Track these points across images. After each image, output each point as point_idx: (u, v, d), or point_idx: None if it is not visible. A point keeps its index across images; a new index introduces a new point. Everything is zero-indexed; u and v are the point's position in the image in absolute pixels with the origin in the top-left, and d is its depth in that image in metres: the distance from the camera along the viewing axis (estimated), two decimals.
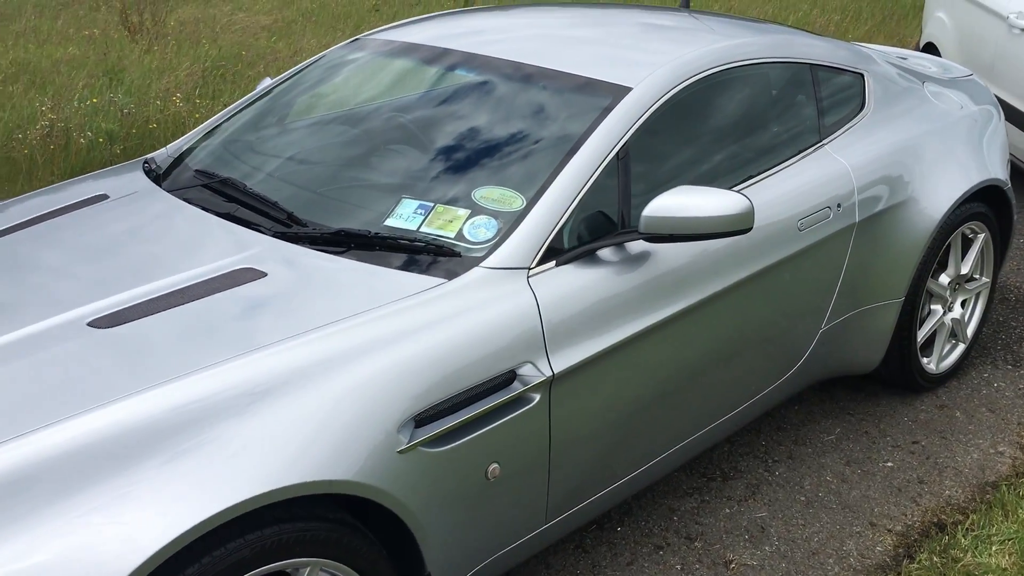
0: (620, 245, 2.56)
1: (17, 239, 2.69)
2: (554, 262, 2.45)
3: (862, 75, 3.48)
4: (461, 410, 2.20)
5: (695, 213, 2.49)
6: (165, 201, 2.77)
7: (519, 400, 2.31)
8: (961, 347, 3.87)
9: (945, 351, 3.82)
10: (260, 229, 2.56)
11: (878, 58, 3.71)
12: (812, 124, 3.23)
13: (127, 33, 8.28)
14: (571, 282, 2.44)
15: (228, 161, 2.98)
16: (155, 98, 6.41)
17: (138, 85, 6.83)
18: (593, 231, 2.57)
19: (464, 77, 3.02)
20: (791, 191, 3.01)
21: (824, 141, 3.24)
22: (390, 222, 2.54)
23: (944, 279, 3.68)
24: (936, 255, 3.50)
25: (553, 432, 2.40)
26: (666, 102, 2.80)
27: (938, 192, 3.43)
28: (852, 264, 3.23)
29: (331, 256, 2.43)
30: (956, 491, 3.24)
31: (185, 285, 2.32)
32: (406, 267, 2.39)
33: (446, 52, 3.09)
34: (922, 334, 3.64)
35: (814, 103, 3.26)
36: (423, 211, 2.54)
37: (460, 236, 2.47)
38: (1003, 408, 3.70)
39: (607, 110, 2.70)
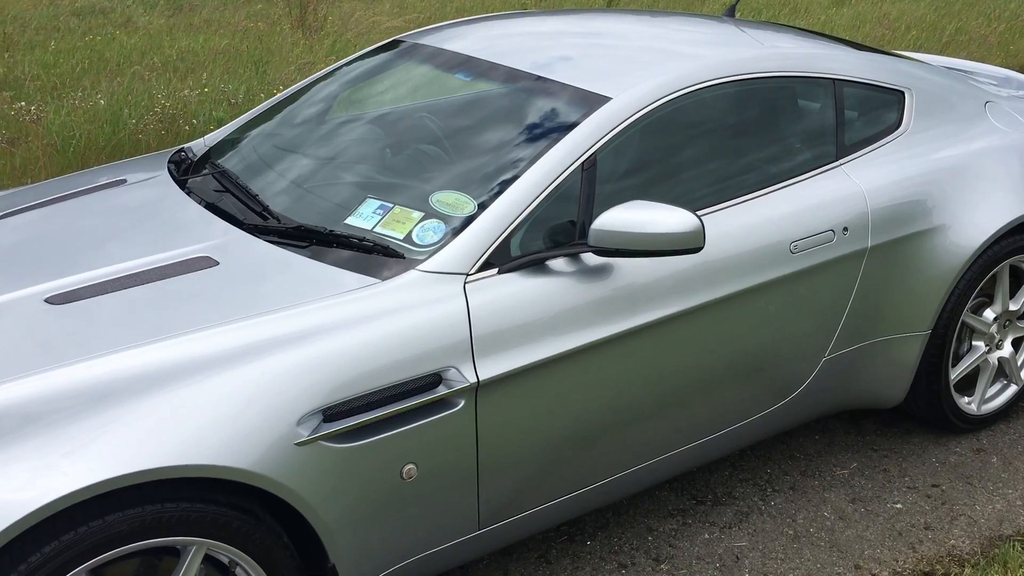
0: (575, 257, 2.54)
1: (26, 217, 2.91)
2: (496, 270, 2.45)
3: (901, 92, 3.29)
4: (376, 409, 2.24)
5: (643, 229, 2.44)
6: (166, 189, 2.93)
7: (442, 404, 2.32)
8: (1013, 389, 3.60)
9: (991, 392, 3.57)
10: (235, 221, 2.67)
11: (932, 74, 3.50)
12: (827, 142, 3.08)
13: (290, 27, 8.73)
14: (513, 291, 2.44)
15: (240, 153, 3.12)
16: (272, 88, 6.73)
17: (272, 77, 7.20)
18: (550, 241, 2.55)
19: (459, 81, 3.05)
20: (787, 212, 2.88)
21: (842, 161, 3.08)
22: (350, 220, 2.60)
23: (989, 314, 3.43)
24: (974, 288, 3.28)
25: (481, 440, 2.40)
26: (649, 114, 2.74)
27: (977, 220, 3.21)
28: (864, 291, 3.06)
29: (288, 251, 2.51)
30: (962, 541, 3.03)
31: (142, 269, 2.46)
32: (350, 265, 2.45)
33: (447, 55, 3.13)
34: (958, 372, 3.41)
35: (833, 120, 3.11)
36: (382, 212, 2.59)
37: (408, 238, 2.50)
38: None
39: (580, 120, 2.67)
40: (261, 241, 2.56)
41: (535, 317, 2.44)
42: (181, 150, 3.38)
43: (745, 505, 3.17)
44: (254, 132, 3.25)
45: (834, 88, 3.13)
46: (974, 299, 3.36)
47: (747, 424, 3.00)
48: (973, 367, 3.46)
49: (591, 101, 2.73)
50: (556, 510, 2.68)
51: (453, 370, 2.32)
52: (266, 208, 2.71)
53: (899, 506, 3.19)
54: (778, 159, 2.98)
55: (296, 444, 2.12)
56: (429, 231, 2.51)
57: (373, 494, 2.28)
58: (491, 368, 2.36)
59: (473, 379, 2.34)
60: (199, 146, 3.40)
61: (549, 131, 2.68)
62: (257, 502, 2.17)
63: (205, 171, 3.03)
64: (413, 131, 2.97)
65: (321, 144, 3.03)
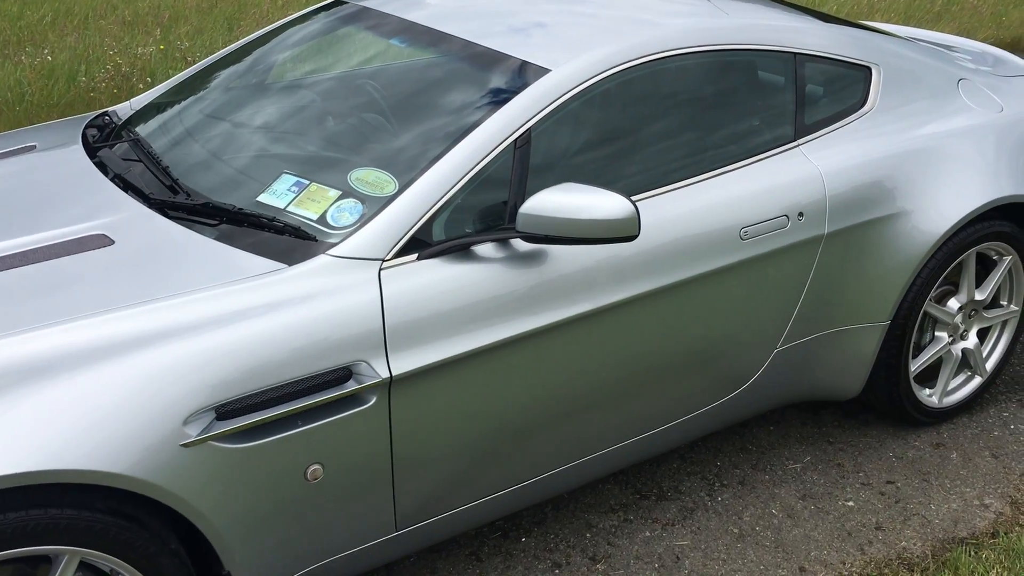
0: (504, 243, 2.36)
1: None
2: (416, 255, 2.27)
3: (868, 68, 3.10)
4: (277, 406, 2.07)
5: (573, 214, 2.26)
6: (75, 158, 2.73)
7: (351, 400, 2.15)
8: (977, 380, 3.45)
9: (955, 384, 3.42)
10: (140, 194, 2.48)
11: (903, 49, 3.30)
12: (785, 121, 2.89)
13: None
14: (433, 279, 2.26)
15: (161, 120, 2.92)
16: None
17: (243, 35, 6.94)
18: (477, 225, 2.37)
19: (395, 49, 2.85)
20: (737, 196, 2.70)
21: (800, 141, 2.90)
22: (263, 197, 2.41)
23: (953, 304, 3.27)
24: (937, 276, 3.11)
25: (396, 438, 2.24)
26: (590, 88, 2.55)
27: (942, 205, 3.03)
28: (819, 280, 2.89)
29: (190, 230, 2.33)
30: (914, 543, 2.89)
31: (33, 247, 2.27)
32: (255, 248, 2.26)
33: (388, 19, 2.92)
34: (919, 363, 3.25)
35: (792, 98, 2.92)
36: (297, 189, 2.41)
37: (322, 219, 2.32)
38: (1010, 454, 3.28)
39: (514, 93, 2.48)
40: (164, 219, 2.36)
41: (457, 307, 2.27)
42: (104, 114, 3.17)
43: (691, 501, 3.03)
44: (181, 97, 3.05)
45: (795, 63, 2.94)
46: (938, 288, 3.19)
47: (694, 417, 2.84)
48: (935, 358, 3.31)
49: (529, 73, 2.53)
50: (483, 509, 2.53)
51: (364, 364, 2.15)
52: (176, 182, 2.52)
53: (851, 503, 3.05)
54: (731, 139, 2.79)
55: (182, 445, 1.95)
56: (345, 212, 2.32)
57: (274, 497, 2.12)
58: (406, 362, 2.19)
59: (385, 374, 2.16)
60: (124, 110, 3.20)
61: (482, 105, 2.48)
62: (144, 507, 2.00)
63: (121, 139, 2.83)
64: (340, 102, 2.78)
65: (245, 113, 2.83)
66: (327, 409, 2.13)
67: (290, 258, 2.22)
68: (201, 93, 3.00)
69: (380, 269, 2.22)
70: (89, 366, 1.92)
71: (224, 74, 3.07)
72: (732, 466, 3.19)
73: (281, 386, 2.07)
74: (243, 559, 2.12)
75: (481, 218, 2.37)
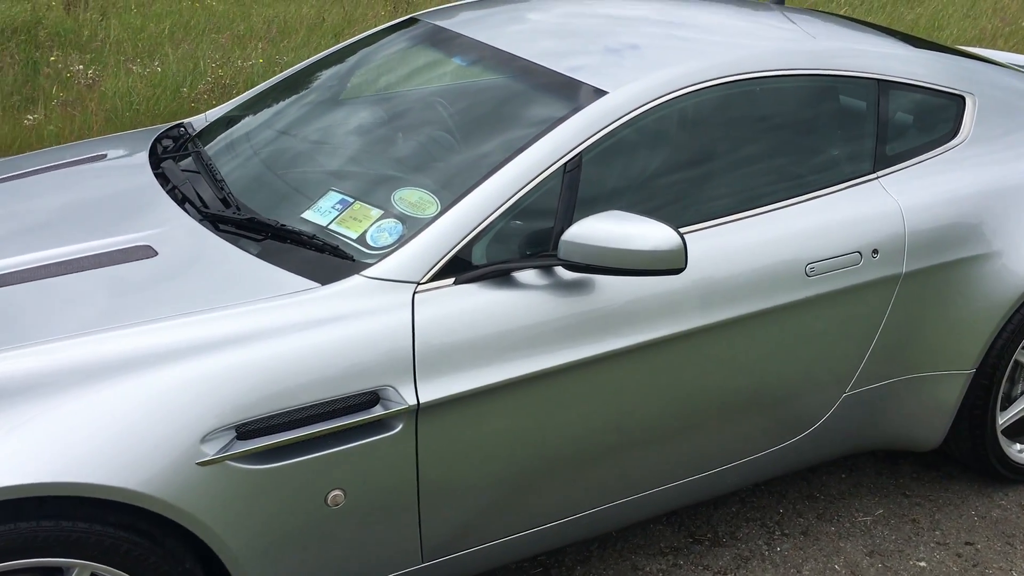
0: (548, 270, 2.26)
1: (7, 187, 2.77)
2: (453, 280, 2.20)
3: (961, 97, 2.90)
4: (299, 428, 2.03)
5: (617, 244, 2.15)
6: (138, 168, 2.75)
7: (377, 426, 2.09)
8: None
9: None
10: (192, 207, 2.48)
11: (1005, 76, 3.09)
12: (864, 152, 2.72)
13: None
14: (469, 304, 2.19)
15: (227, 133, 2.93)
16: None
17: None
18: (521, 251, 2.29)
19: (456, 67, 2.79)
20: (804, 229, 2.55)
21: (879, 173, 2.72)
22: (308, 214, 2.38)
23: None
24: None
25: (422, 467, 2.17)
26: (648, 112, 2.44)
27: None
28: (895, 322, 2.71)
29: (232, 245, 2.31)
30: None
31: (80, 256, 2.29)
32: (294, 265, 2.23)
33: (453, 37, 2.87)
34: (1008, 415, 3.02)
35: (873, 127, 2.75)
36: (341, 207, 2.37)
37: (362, 239, 2.27)
38: None
39: (569, 115, 2.39)
40: (210, 233, 2.36)
41: (493, 334, 2.19)
42: (179, 125, 3.21)
43: (747, 549, 2.87)
44: (248, 111, 3.06)
45: (877, 90, 2.77)
46: None
47: (753, 460, 2.69)
48: None
49: (585, 95, 2.44)
50: (517, 544, 2.43)
51: (391, 390, 2.09)
52: (229, 195, 2.51)
53: (923, 564, 2.84)
54: (802, 169, 2.64)
55: (198, 464, 1.92)
56: (385, 232, 2.27)
57: (292, 521, 2.07)
58: (435, 390, 2.12)
59: (413, 401, 2.10)
60: (199, 122, 3.23)
61: (535, 128, 2.40)
62: (159, 524, 1.97)
63: (186, 151, 2.85)
64: (394, 122, 2.73)
65: (303, 129, 2.81)
66: (352, 434, 2.08)
67: (324, 277, 2.18)
68: (266, 108, 3.01)
69: (415, 292, 2.16)
70: (108, 379, 1.91)
71: (291, 90, 3.07)
72: (796, 514, 3.02)
73: (305, 408, 2.02)
74: (258, 570, 2.07)
75: (526, 244, 2.29)
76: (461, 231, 2.22)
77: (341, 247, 2.26)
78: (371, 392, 2.08)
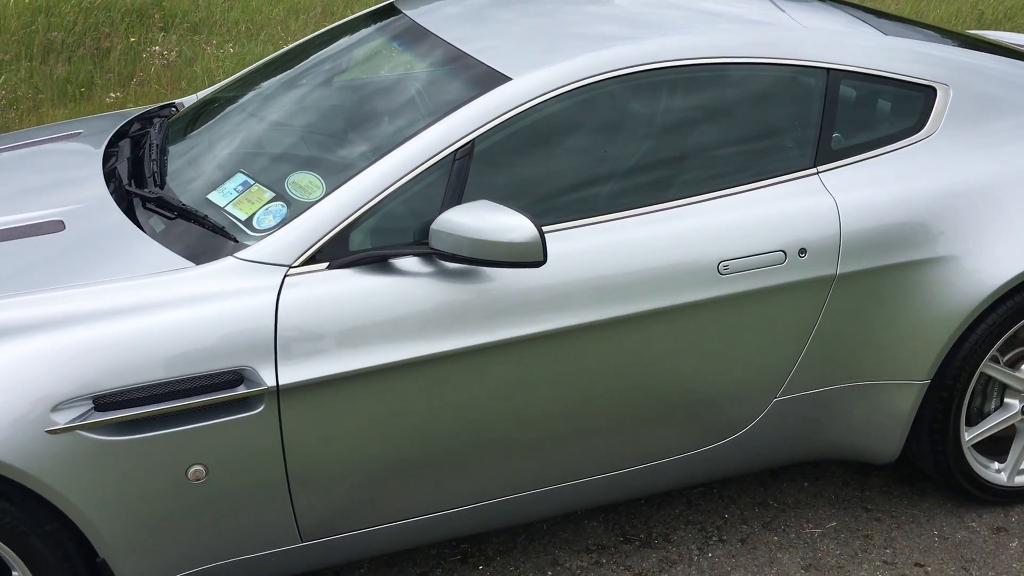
0: (428, 258, 2.25)
1: None
2: (327, 264, 2.21)
3: (932, 88, 2.70)
4: (160, 403, 2.09)
5: (476, 234, 2.12)
6: (91, 147, 2.88)
7: (240, 405, 2.14)
8: None
9: None
10: (118, 185, 2.58)
11: (997, 65, 2.85)
12: (804, 145, 2.57)
13: None
14: (341, 290, 2.20)
15: (188, 116, 3.02)
16: None
17: None
18: (407, 238, 2.28)
19: (394, 52, 2.79)
20: (720, 225, 2.44)
21: (820, 168, 2.57)
22: (212, 195, 2.44)
23: None
24: (1000, 335, 2.67)
25: (288, 449, 2.20)
26: (556, 100, 2.38)
27: (1004, 253, 2.59)
28: (831, 327, 2.56)
29: (132, 223, 2.38)
30: None
31: None
32: (181, 244, 2.30)
33: (405, 24, 2.86)
34: (977, 432, 2.81)
35: (817, 119, 2.59)
36: (242, 188, 2.42)
37: (249, 220, 2.32)
38: None
39: (466, 101, 2.36)
40: (119, 211, 2.44)
41: (365, 321, 2.19)
42: (170, 105, 3.33)
43: (677, 552, 2.78)
44: (219, 94, 3.14)
45: (826, 80, 2.61)
46: (1012, 350, 2.75)
47: (671, 463, 2.60)
48: (1003, 428, 2.84)
49: (489, 81, 2.40)
50: (406, 531, 2.43)
51: (251, 370, 2.12)
52: (156, 175, 2.59)
53: None
54: (726, 163, 2.52)
55: (48, 432, 2.01)
56: (270, 215, 2.31)
57: (154, 494, 2.14)
58: (296, 373, 2.14)
59: (272, 382, 2.13)
60: (191, 101, 3.34)
61: (434, 112, 2.38)
62: (15, 486, 2.07)
63: (143, 130, 2.96)
64: (319, 107, 2.75)
65: (248, 113, 2.86)
66: (214, 411, 2.13)
67: (201, 257, 2.23)
68: (231, 92, 3.08)
69: (285, 275, 2.19)
70: None
71: (259, 75, 3.13)
72: (741, 520, 2.90)
73: (165, 383, 2.08)
74: (121, 548, 2.15)
75: (412, 232, 2.28)
76: (339, 216, 2.23)
77: (228, 228, 2.30)
78: (233, 371, 2.12)
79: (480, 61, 2.48)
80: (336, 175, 2.33)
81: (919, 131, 2.68)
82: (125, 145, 2.85)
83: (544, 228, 2.27)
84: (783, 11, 2.90)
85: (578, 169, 2.44)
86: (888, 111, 2.69)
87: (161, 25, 7.54)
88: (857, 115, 2.66)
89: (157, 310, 2.12)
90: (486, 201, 2.18)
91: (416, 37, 2.73)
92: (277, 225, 2.26)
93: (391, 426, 2.27)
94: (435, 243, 2.18)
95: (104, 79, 6.58)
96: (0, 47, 6.85)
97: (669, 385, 2.48)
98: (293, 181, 2.36)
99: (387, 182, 2.26)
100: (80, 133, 3.08)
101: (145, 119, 3.13)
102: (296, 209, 2.28)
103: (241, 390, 2.13)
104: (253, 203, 2.35)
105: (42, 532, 2.10)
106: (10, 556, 2.10)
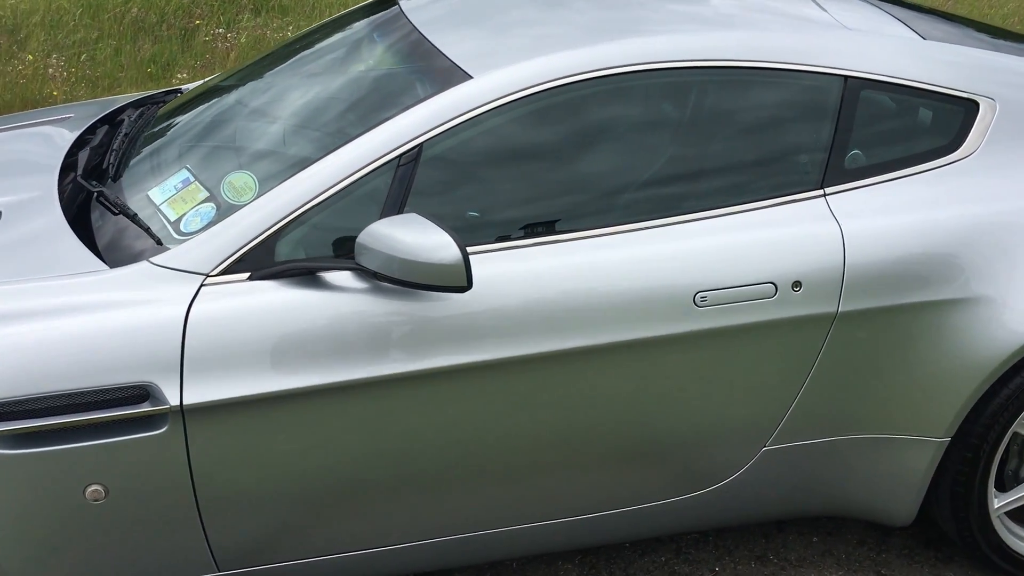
0: (359, 272, 2.04)
1: None
2: (248, 275, 2.03)
3: (973, 102, 2.34)
4: (56, 416, 1.94)
5: (397, 252, 1.90)
6: (62, 135, 2.76)
7: (143, 423, 1.97)
8: None
9: None
10: (69, 176, 2.45)
11: None
12: (812, 164, 2.25)
13: None
14: (260, 303, 2.01)
15: (173, 106, 2.88)
16: None
17: None
18: (339, 250, 2.07)
19: (374, 46, 2.57)
20: (698, 251, 2.15)
21: (829, 190, 2.25)
22: (152, 191, 2.29)
23: None
24: None
25: (196, 473, 2.02)
26: (522, 102, 2.14)
27: None
28: (830, 372, 2.24)
29: (63, 219, 2.24)
30: None
31: None
32: (109, 244, 2.15)
33: (393, 17, 2.64)
34: (1010, 499, 2.44)
35: (829, 133, 2.26)
36: (181, 186, 2.25)
37: (177, 222, 2.15)
38: None
39: (421, 100, 2.13)
40: (57, 204, 2.31)
41: (283, 339, 2.00)
42: (176, 92, 3.21)
43: None
44: (209, 83, 2.99)
45: (843, 89, 2.28)
46: None
47: (644, 509, 2.33)
48: None
49: (450, 79, 2.17)
50: (348, 564, 2.24)
51: (155, 387, 1.96)
52: (111, 167, 2.46)
53: None
54: (713, 181, 2.23)
55: None
56: (198, 217, 2.14)
57: (49, 513, 2.00)
58: (202, 392, 1.96)
59: (175, 401, 1.96)
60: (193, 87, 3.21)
61: (386, 111, 2.17)
62: None
63: (120, 120, 2.83)
64: (281, 102, 2.54)
65: (220, 106, 2.68)
66: (114, 428, 1.97)
67: (119, 260, 2.07)
68: (218, 84, 2.92)
69: (201, 285, 2.01)
70: None
71: (250, 67, 2.96)
72: (733, 575, 2.60)
73: (65, 395, 1.94)
74: (15, 567, 2.02)
75: (345, 244, 2.07)
76: (265, 222, 2.04)
77: (155, 229, 2.14)
78: (137, 386, 1.96)
79: (448, 57, 2.25)
80: (273, 177, 2.14)
81: (954, 151, 2.32)
82: (100, 133, 2.73)
83: (497, 246, 2.04)
84: (823, 9, 2.58)
85: (540, 182, 2.19)
86: (919, 127, 2.35)
87: (252, 7, 7.55)
88: (881, 130, 2.32)
89: (60, 315, 1.97)
90: (415, 215, 1.95)
91: (396, 30, 2.52)
92: (201, 229, 2.09)
93: (311, 454, 2.07)
94: (359, 257, 1.96)
95: (186, 60, 6.60)
96: (95, 25, 6.94)
97: (634, 427, 2.21)
98: (229, 181, 2.19)
99: (321, 187, 2.05)
100: (70, 118, 2.98)
101: (138, 106, 3.01)
102: (224, 212, 2.11)
103: (145, 407, 1.96)
104: (187, 203, 2.18)
105: None
106: None
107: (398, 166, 2.07)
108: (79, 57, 6.36)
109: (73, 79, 6.05)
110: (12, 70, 5.96)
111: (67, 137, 2.73)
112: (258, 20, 7.16)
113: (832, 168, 2.25)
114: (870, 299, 2.20)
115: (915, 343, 2.24)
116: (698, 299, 2.12)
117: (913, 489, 2.39)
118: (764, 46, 2.27)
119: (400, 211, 2.06)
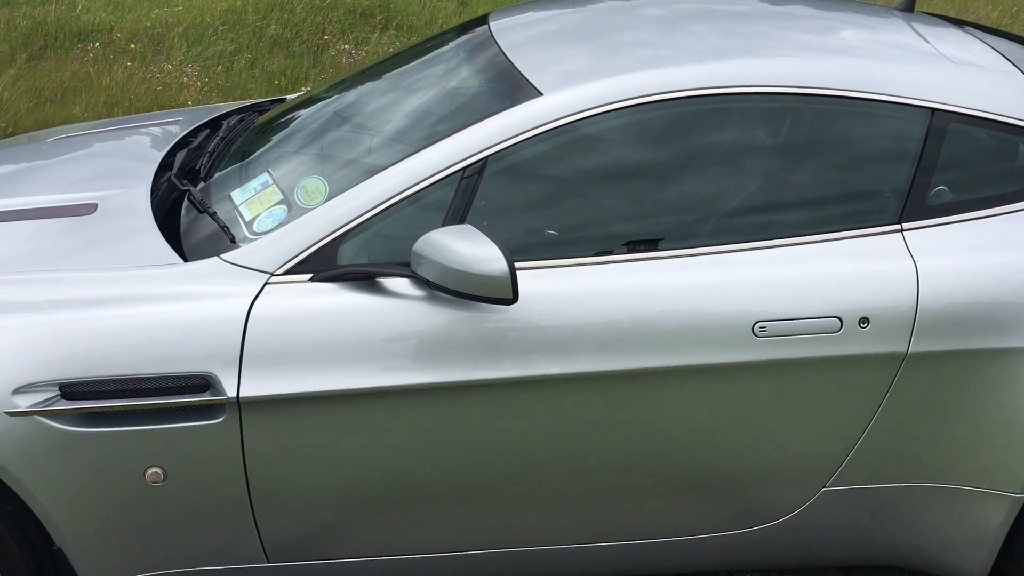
0: (416, 279, 2.07)
1: (82, 139, 3.05)
2: (310, 276, 2.09)
3: None
4: (123, 398, 2.04)
5: (448, 261, 1.93)
6: (167, 136, 2.90)
7: (203, 412, 2.05)
8: None
9: None
10: (163, 174, 2.58)
11: None
12: (890, 197, 2.18)
13: None
14: (320, 304, 2.07)
15: (275, 114, 2.99)
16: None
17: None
18: (400, 257, 2.11)
19: (455, 60, 2.62)
20: (761, 279, 2.10)
21: (907, 225, 2.17)
22: (235, 192, 2.39)
23: None
24: None
25: (250, 465, 2.09)
26: (589, 121, 2.14)
27: None
28: (899, 414, 2.15)
29: (151, 215, 2.34)
30: None
31: (35, 206, 2.46)
32: (185, 240, 2.26)
33: (478, 29, 2.69)
34: None
35: (911, 167, 2.18)
36: (260, 188, 2.34)
37: (251, 222, 2.23)
38: None
39: (489, 114, 2.16)
40: (147, 200, 2.43)
41: (340, 340, 2.05)
42: (280, 100, 3.34)
43: None
44: (311, 94, 3.10)
45: (929, 122, 2.19)
46: None
47: (689, 541, 2.28)
48: None
49: (521, 95, 2.20)
50: (392, 568, 2.27)
51: (215, 377, 2.03)
52: (202, 168, 2.58)
53: None
54: (785, 209, 2.18)
55: (7, 413, 2.00)
56: (270, 218, 2.21)
57: (111, 491, 2.09)
58: (258, 386, 2.03)
59: (232, 393, 2.03)
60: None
61: (456, 125, 2.20)
62: None
63: (218, 127, 2.95)
64: (367, 113, 2.62)
65: (315, 115, 2.76)
66: (176, 414, 2.05)
67: (193, 255, 2.17)
68: (318, 95, 3.01)
69: (265, 283, 2.08)
70: None
71: (351, 79, 3.05)
72: None
73: (133, 379, 2.03)
74: (76, 540, 2.12)
75: (406, 251, 2.10)
76: (330, 226, 2.10)
77: (231, 228, 2.23)
78: (199, 376, 2.04)
79: (522, 74, 2.28)
80: (344, 184, 2.20)
81: None
82: (200, 136, 2.86)
83: (552, 263, 2.06)
84: (927, 40, 2.51)
85: (603, 201, 2.18)
86: (1012, 164, 2.24)
87: (382, 25, 7.79)
88: (970, 166, 2.23)
89: (133, 304, 2.07)
90: (468, 227, 1.98)
91: (480, 48, 2.56)
92: (272, 229, 2.16)
93: (361, 456, 2.11)
94: (414, 266, 2.00)
95: (314, 74, 6.85)
96: (234, 39, 7.28)
97: (685, 455, 2.17)
98: (302, 186, 2.26)
99: (386, 196, 2.10)
100: (179, 121, 3.13)
101: (241, 113, 3.14)
102: (294, 215, 2.18)
103: (205, 396, 2.04)
104: (262, 204, 2.27)
105: (1, 512, 2.10)
106: None
107: (462, 178, 2.10)
108: (216, 68, 6.66)
109: (206, 88, 6.34)
110: (151, 77, 6.30)
111: (171, 138, 2.87)
112: (384, 39, 7.37)
113: (912, 203, 2.17)
114: (944, 341, 2.11)
115: (990, 391, 2.13)
116: (757, 329, 2.08)
117: (986, 544, 2.26)
118: (845, 74, 2.21)
119: (460, 222, 2.09)
